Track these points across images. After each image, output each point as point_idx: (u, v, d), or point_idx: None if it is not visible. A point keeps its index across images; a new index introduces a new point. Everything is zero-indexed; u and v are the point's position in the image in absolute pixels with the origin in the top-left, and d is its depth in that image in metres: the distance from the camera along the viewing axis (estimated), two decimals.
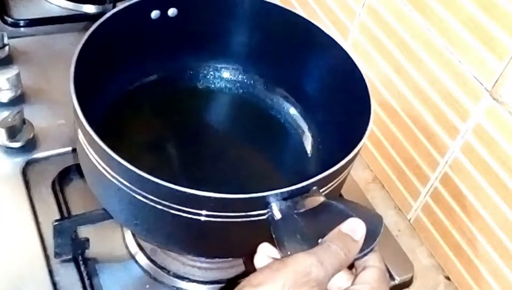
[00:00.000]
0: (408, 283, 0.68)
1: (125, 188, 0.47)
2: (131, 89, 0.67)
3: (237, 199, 0.45)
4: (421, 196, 0.71)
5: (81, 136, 0.50)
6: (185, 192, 0.44)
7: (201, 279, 0.62)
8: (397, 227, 0.73)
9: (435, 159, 0.67)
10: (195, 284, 0.62)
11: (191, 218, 0.46)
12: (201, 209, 0.46)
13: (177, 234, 0.51)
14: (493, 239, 0.62)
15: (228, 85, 0.72)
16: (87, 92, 0.51)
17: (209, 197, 0.44)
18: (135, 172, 0.45)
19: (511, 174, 0.58)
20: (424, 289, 0.68)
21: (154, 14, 0.62)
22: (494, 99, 0.59)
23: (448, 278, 0.69)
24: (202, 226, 0.47)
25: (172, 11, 0.63)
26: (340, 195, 0.60)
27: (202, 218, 0.46)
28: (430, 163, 0.68)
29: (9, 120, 0.70)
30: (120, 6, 0.59)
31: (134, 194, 0.47)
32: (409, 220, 0.74)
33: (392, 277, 0.67)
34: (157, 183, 0.44)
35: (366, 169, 0.80)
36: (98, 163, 0.48)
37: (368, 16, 0.75)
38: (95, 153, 0.48)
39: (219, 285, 0.62)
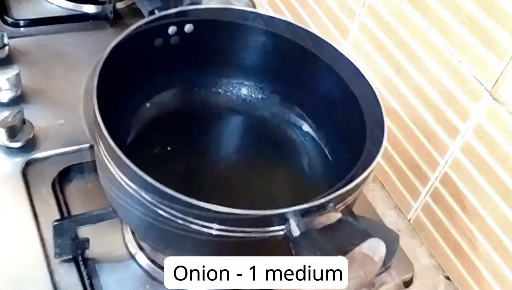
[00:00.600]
0: (408, 283, 0.68)
1: (142, 199, 0.48)
2: (148, 105, 0.68)
3: (256, 215, 0.46)
4: (421, 196, 0.71)
5: (102, 151, 0.51)
6: (202, 207, 0.45)
7: None
8: (397, 227, 0.73)
9: (435, 159, 0.67)
10: None
11: (207, 233, 0.47)
12: (218, 224, 0.46)
13: (190, 248, 0.52)
14: (493, 239, 0.62)
15: (242, 101, 0.72)
16: (106, 109, 0.51)
17: (228, 213, 0.45)
18: (152, 184, 0.46)
19: (511, 174, 0.58)
20: (424, 289, 0.68)
21: (171, 30, 0.63)
22: (494, 99, 0.59)
23: (448, 278, 0.69)
24: (219, 241, 0.48)
25: (188, 27, 0.64)
26: None
27: (218, 233, 0.47)
28: (430, 163, 0.68)
29: (9, 120, 0.70)
30: (137, 23, 0.59)
31: (155, 208, 0.48)
32: (409, 220, 0.74)
33: (392, 277, 0.67)
34: (178, 198, 0.45)
35: None
36: (119, 176, 0.49)
37: (368, 16, 0.75)
38: (116, 167, 0.49)
39: None
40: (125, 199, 0.50)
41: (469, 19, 0.59)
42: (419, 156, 0.70)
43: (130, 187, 0.48)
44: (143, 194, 0.48)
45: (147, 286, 0.61)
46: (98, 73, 0.53)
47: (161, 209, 0.47)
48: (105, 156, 0.50)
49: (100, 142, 0.50)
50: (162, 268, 0.62)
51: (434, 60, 0.65)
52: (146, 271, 0.62)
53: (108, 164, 0.50)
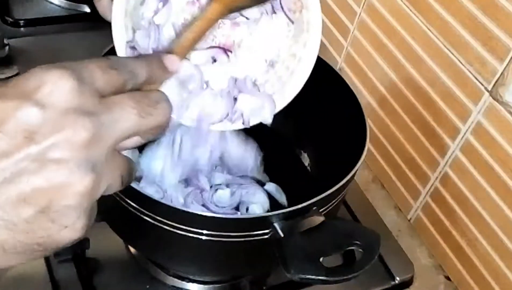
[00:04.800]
0: (408, 283, 0.68)
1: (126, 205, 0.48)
2: None
3: (240, 219, 0.48)
4: (421, 196, 0.71)
5: None
6: (186, 212, 0.46)
7: (201, 279, 0.62)
8: (397, 227, 0.73)
9: (435, 159, 0.67)
10: (195, 284, 0.62)
11: (192, 237, 0.48)
12: (202, 229, 0.47)
13: (178, 253, 0.53)
14: (493, 239, 0.62)
15: None
16: None
17: (213, 217, 0.47)
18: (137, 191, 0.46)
19: (511, 174, 0.58)
20: (424, 289, 0.68)
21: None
22: (494, 99, 0.59)
23: (448, 278, 0.69)
24: (205, 246, 0.49)
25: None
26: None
27: (204, 237, 0.48)
28: (430, 163, 0.68)
29: None
30: None
31: (138, 213, 0.48)
32: (409, 220, 0.74)
33: (392, 277, 0.67)
34: (159, 203, 0.46)
35: (366, 169, 0.80)
36: None
37: (368, 16, 0.75)
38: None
39: (219, 285, 0.62)
40: (112, 206, 0.50)
41: (469, 19, 0.59)
42: (419, 156, 0.70)
43: (117, 195, 0.49)
44: (129, 201, 0.48)
45: (147, 286, 0.61)
46: None
47: (147, 215, 0.48)
48: None
49: None
50: (162, 268, 0.62)
51: (434, 60, 0.65)
52: (146, 271, 0.62)
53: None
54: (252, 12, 0.50)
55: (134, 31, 0.48)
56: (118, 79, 0.33)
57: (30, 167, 0.29)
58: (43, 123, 0.29)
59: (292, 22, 0.51)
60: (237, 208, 0.61)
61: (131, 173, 0.35)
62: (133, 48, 0.47)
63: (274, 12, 0.50)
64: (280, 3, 0.50)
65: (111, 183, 0.33)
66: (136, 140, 0.35)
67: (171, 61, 0.39)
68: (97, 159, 0.31)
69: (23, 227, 0.30)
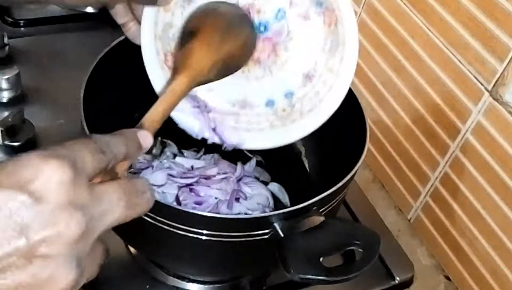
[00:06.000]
0: (408, 283, 0.68)
1: None
2: (137, 116, 0.68)
3: (240, 219, 0.48)
4: (421, 196, 0.71)
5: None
6: (187, 212, 0.46)
7: (201, 279, 0.62)
8: (397, 227, 0.73)
9: (435, 159, 0.67)
10: (195, 284, 0.62)
11: (192, 237, 0.48)
12: (202, 229, 0.47)
13: (178, 253, 0.53)
14: (493, 239, 0.62)
15: None
16: (94, 119, 0.51)
17: (212, 217, 0.47)
18: None
19: (511, 174, 0.58)
20: (424, 289, 0.68)
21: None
22: (494, 99, 0.59)
23: (448, 278, 0.69)
24: (205, 245, 0.49)
25: None
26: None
27: (204, 237, 0.48)
28: (430, 163, 0.68)
29: (9, 119, 0.69)
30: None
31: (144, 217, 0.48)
32: (409, 220, 0.74)
33: (392, 277, 0.67)
34: (160, 203, 0.45)
35: (366, 169, 0.80)
36: None
37: (368, 15, 0.75)
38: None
39: (219, 285, 0.62)
40: None
41: (469, 19, 0.59)
42: (419, 156, 0.70)
43: None
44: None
45: (147, 286, 0.61)
46: (85, 84, 0.53)
47: (147, 216, 0.48)
48: None
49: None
50: (162, 268, 0.62)
51: (434, 60, 0.65)
52: (146, 271, 0.62)
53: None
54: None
55: (165, 55, 0.49)
56: (104, 161, 0.33)
57: (17, 262, 0.28)
58: (36, 217, 0.29)
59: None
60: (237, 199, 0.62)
61: (105, 259, 0.35)
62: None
63: (308, 18, 0.49)
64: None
65: (91, 275, 0.33)
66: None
67: (144, 137, 0.38)
68: (82, 253, 0.31)
69: None
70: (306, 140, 0.69)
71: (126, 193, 0.33)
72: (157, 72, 0.51)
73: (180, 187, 0.61)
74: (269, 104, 0.53)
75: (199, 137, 0.54)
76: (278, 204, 0.64)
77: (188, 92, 0.45)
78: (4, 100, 0.75)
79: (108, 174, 0.34)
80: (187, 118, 0.54)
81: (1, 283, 0.29)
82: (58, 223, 0.29)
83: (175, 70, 0.46)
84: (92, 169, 0.32)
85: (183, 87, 0.44)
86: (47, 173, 0.29)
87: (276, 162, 0.68)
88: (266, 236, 0.47)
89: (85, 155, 0.32)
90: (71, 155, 0.31)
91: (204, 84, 0.47)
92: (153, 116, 0.42)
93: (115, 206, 0.32)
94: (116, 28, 0.54)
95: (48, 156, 0.30)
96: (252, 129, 0.54)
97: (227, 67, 0.48)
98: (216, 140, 0.54)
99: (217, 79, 0.47)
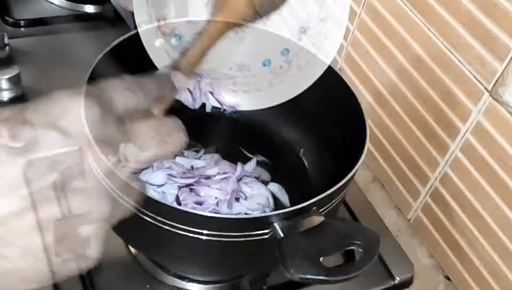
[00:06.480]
0: (408, 283, 0.68)
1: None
2: None
3: (240, 219, 0.48)
4: (421, 196, 0.71)
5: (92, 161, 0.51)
6: (187, 212, 0.46)
7: (201, 279, 0.62)
8: (397, 227, 0.74)
9: (435, 159, 0.67)
10: (195, 284, 0.62)
11: (192, 237, 0.48)
12: (202, 229, 0.47)
13: (179, 253, 0.53)
14: (493, 239, 0.62)
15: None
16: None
17: (212, 217, 0.47)
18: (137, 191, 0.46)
19: (511, 174, 0.58)
20: (424, 289, 0.68)
21: (158, 42, 0.63)
22: (494, 99, 0.59)
23: (448, 278, 0.69)
24: (205, 245, 0.49)
25: (174, 40, 0.64)
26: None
27: (204, 237, 0.48)
28: (430, 163, 0.68)
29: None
30: (123, 36, 0.58)
31: (138, 213, 0.48)
32: (409, 220, 0.74)
33: (392, 277, 0.67)
34: (160, 203, 0.46)
35: (366, 169, 0.80)
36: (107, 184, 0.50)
37: (368, 16, 0.75)
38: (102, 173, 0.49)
39: (219, 285, 0.62)
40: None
41: (469, 19, 0.59)
42: (419, 156, 0.70)
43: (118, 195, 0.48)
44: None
45: (147, 286, 0.61)
46: (85, 84, 0.53)
47: (147, 215, 0.48)
48: (96, 170, 0.50)
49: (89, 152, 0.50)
50: (162, 267, 0.62)
51: (434, 60, 0.65)
52: (146, 271, 0.62)
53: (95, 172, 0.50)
54: None
55: (157, 20, 0.48)
56: (133, 101, 0.34)
57: (52, 196, 0.29)
58: (67, 153, 0.30)
59: None
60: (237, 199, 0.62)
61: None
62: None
63: None
64: None
65: (124, 210, 0.34)
66: None
67: (178, 78, 0.40)
68: (115, 187, 0.32)
69: (41, 255, 0.30)
70: (306, 140, 0.69)
71: (158, 132, 0.34)
72: (152, 38, 0.51)
73: (180, 187, 0.61)
74: (265, 63, 0.53)
75: (197, 107, 0.54)
76: (278, 204, 0.64)
77: (224, 33, 0.46)
78: (5, 100, 0.75)
79: (144, 115, 0.35)
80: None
81: (38, 217, 0.29)
82: (88, 157, 0.30)
83: (211, 14, 0.47)
84: (121, 108, 0.33)
85: (219, 28, 0.45)
86: (75, 110, 0.30)
87: (276, 162, 0.68)
88: (266, 236, 0.47)
89: (113, 93, 0.33)
90: (99, 93, 0.32)
91: (239, 26, 0.48)
92: (189, 58, 0.43)
93: (147, 144, 0.33)
94: (117, 28, 0.54)
95: (76, 93, 0.31)
96: (250, 90, 0.54)
97: (261, 8, 0.48)
98: (215, 103, 0.54)
99: (252, 21, 0.48)
